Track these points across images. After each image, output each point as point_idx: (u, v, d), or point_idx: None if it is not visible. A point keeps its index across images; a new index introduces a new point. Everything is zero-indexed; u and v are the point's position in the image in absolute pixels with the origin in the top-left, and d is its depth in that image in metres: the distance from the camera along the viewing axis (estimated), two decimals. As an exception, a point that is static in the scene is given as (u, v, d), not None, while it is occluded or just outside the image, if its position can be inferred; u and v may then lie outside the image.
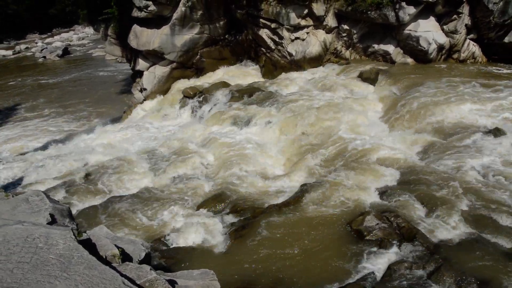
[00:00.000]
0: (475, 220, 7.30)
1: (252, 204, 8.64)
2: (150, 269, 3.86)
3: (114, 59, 33.68)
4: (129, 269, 3.76)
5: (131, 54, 19.82)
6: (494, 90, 12.21)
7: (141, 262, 4.46)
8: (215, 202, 8.99)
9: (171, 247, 7.69)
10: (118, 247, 4.37)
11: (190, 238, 7.82)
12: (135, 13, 17.31)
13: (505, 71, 15.06)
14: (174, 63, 18.48)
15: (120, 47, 21.39)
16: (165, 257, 7.22)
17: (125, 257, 4.33)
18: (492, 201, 7.78)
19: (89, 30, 55.77)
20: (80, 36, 56.68)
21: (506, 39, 15.63)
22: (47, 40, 54.46)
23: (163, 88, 18.47)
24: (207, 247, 7.56)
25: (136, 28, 17.94)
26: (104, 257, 4.04)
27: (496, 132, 10.21)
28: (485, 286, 5.76)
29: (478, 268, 6.18)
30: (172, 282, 3.94)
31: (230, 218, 8.33)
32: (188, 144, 12.43)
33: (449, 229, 7.22)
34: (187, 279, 4.41)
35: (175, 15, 17.53)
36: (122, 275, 3.42)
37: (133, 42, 18.10)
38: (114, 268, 3.53)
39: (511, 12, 15.05)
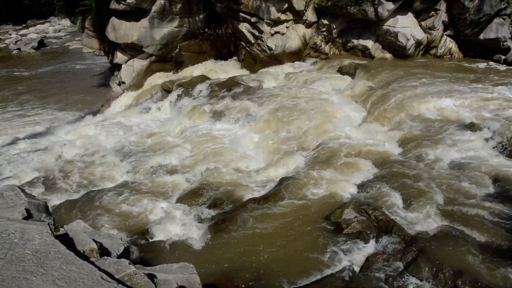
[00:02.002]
0: (450, 212, 7.45)
1: (232, 198, 8.65)
2: (129, 263, 3.84)
3: (91, 52, 33.20)
4: (107, 264, 3.73)
5: (109, 47, 19.55)
6: (470, 85, 12.46)
7: (119, 256, 4.43)
8: (194, 196, 8.96)
9: (150, 241, 7.65)
10: (96, 242, 4.33)
11: (169, 232, 7.79)
12: (113, 5, 17.05)
13: (480, 66, 15.38)
14: (153, 57, 18.30)
15: (98, 39, 21.03)
16: (144, 251, 7.18)
17: (104, 251, 4.30)
18: (466, 194, 7.96)
19: (66, 22, 54.69)
20: (56, 28, 55.58)
21: (481, 36, 15.96)
22: (22, 31, 53.25)
23: (142, 81, 18.28)
24: (186, 240, 7.53)
25: (114, 20, 17.67)
26: (81, 252, 4.00)
27: (472, 126, 10.42)
28: (460, 276, 5.88)
29: (453, 259, 6.30)
30: (151, 276, 3.93)
31: (210, 212, 8.31)
32: (167, 138, 12.35)
33: (425, 221, 7.35)
34: (167, 273, 4.40)
35: (154, 8, 17.33)
36: (100, 269, 3.39)
37: (111, 35, 17.84)
38: (92, 263, 3.50)
39: (486, 10, 15.35)
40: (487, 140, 9.92)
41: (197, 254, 7.06)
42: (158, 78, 18.01)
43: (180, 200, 8.93)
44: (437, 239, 6.76)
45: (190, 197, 8.96)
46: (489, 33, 15.80)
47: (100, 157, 11.38)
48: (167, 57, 18.55)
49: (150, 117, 15.37)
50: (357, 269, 6.39)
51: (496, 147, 9.67)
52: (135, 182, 9.94)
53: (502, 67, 15.22)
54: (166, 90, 16.35)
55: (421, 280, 6.03)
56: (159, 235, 7.74)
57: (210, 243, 7.35)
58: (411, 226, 7.23)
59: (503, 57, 15.70)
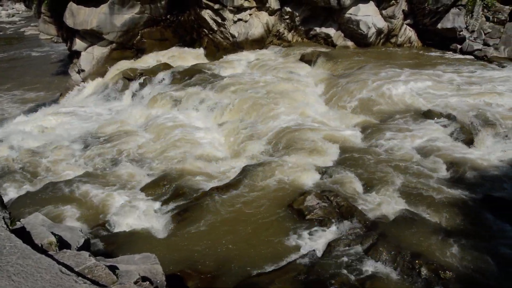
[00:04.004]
0: (409, 197, 7.70)
1: (195, 187, 8.61)
2: (89, 256, 3.78)
3: (49, 39, 31.96)
4: (66, 257, 3.66)
5: (68, 34, 18.90)
6: (428, 73, 12.81)
7: (79, 248, 4.36)
8: (156, 185, 8.87)
9: (112, 232, 7.53)
10: (55, 235, 4.24)
11: (132, 222, 7.70)
12: (70, -11, 16.49)
13: (437, 55, 15.85)
14: (114, 44, 17.85)
15: (55, 25, 20.25)
16: (106, 243, 7.08)
17: (63, 244, 4.22)
18: (424, 179, 8.24)
19: (20, 7, 52.27)
20: (9, 12, 53.14)
21: (439, 25, 16.39)
22: (-29, 16, 50.73)
23: (102, 69, 17.81)
24: (149, 231, 7.47)
25: (72, 6, 17.10)
26: (40, 245, 3.91)
27: (430, 114, 10.75)
28: (418, 258, 6.11)
29: (411, 242, 6.53)
30: (112, 268, 3.89)
31: (173, 202, 8.24)
32: (128, 127, 12.13)
33: (385, 206, 7.57)
34: (128, 264, 4.36)
35: (114, -7, 16.86)
36: (59, 263, 3.33)
37: (69, 20, 17.26)
38: (50, 256, 3.42)
39: (444, 0, 15.75)
40: (444, 126, 10.28)
41: (160, 244, 7.02)
42: (119, 66, 17.58)
43: (142, 190, 8.82)
44: (396, 223, 6.99)
45: (152, 187, 8.86)
46: (446, 22, 16.24)
47: (58, 148, 11.06)
48: (128, 45, 18.13)
49: (111, 106, 15.03)
50: (319, 254, 6.52)
51: (452, 133, 10.02)
52: (95, 172, 9.73)
53: (458, 56, 15.73)
54: (128, 78, 16.00)
55: (381, 263, 6.23)
56: (121, 226, 7.64)
57: (174, 232, 7.31)
58: (372, 211, 7.43)
59: (459, 46, 16.20)
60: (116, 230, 7.63)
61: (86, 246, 4.62)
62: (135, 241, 7.18)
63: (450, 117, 10.47)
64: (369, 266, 6.20)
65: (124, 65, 17.57)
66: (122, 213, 8.00)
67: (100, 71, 17.79)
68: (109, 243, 7.10)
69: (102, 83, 17.00)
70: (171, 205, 8.16)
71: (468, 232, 6.73)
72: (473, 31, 15.97)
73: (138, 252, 5.30)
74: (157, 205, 8.29)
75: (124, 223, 7.75)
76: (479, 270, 5.99)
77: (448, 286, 5.73)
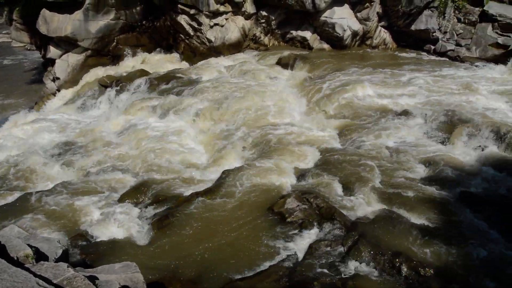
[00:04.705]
0: (387, 196, 7.80)
1: (174, 193, 8.53)
2: (68, 267, 3.72)
3: (22, 46, 31.36)
4: (44, 269, 3.59)
5: (41, 41, 18.57)
6: (402, 74, 13.04)
7: (57, 260, 4.29)
8: (136, 193, 8.76)
9: (91, 242, 7.39)
10: (31, 247, 4.17)
11: (112, 231, 7.57)
12: (43, -4, 16.22)
13: (412, 56, 16.15)
14: (89, 51, 17.63)
15: (28, 33, 19.86)
16: (86, 253, 6.94)
17: (40, 256, 4.14)
18: (401, 178, 8.37)
19: (-9, 14, 51.29)
20: (-20, 20, 52.01)
21: (413, 27, 16.71)
22: None
23: (78, 77, 17.57)
24: (129, 239, 7.36)
25: (45, 12, 16.81)
26: (15, 258, 3.83)
27: (406, 114, 10.92)
28: (398, 257, 6.18)
29: (391, 241, 6.60)
30: (92, 278, 3.84)
31: (153, 209, 8.14)
32: (105, 135, 11.95)
33: (365, 206, 7.65)
34: (109, 274, 4.31)
35: (88, 0, 16.66)
36: (36, 275, 3.27)
37: (42, 28, 16.97)
38: (27, 269, 3.36)
39: (416, 2, 16.07)
40: (419, 126, 10.46)
41: (141, 252, 6.93)
42: (95, 73, 17.38)
43: (121, 198, 8.69)
44: (375, 222, 7.05)
45: (131, 194, 8.74)
46: (419, 24, 16.57)
47: (34, 158, 10.81)
48: (104, 51, 17.94)
49: (88, 114, 14.83)
50: (300, 256, 6.53)
51: (428, 132, 10.21)
52: (73, 182, 9.55)
53: (432, 57, 16.05)
54: (104, 85, 15.82)
55: (362, 263, 6.28)
56: (101, 235, 7.50)
57: (154, 240, 7.22)
58: (351, 211, 7.49)
59: (432, 47, 16.55)
60: (95, 239, 7.49)
61: (64, 257, 4.54)
62: (115, 250, 7.07)
63: (425, 116, 10.66)
64: (351, 266, 6.24)
65: (100, 72, 17.37)
66: (101, 222, 7.86)
67: (75, 78, 17.55)
68: (88, 253, 6.96)
69: (78, 90, 16.77)
70: (151, 212, 8.07)
71: (445, 229, 6.85)
72: (445, 32, 16.33)
73: (118, 261, 5.24)
74: (137, 212, 8.17)
75: (104, 231, 7.62)
76: (458, 266, 6.10)
77: (428, 283, 5.82)
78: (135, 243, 7.26)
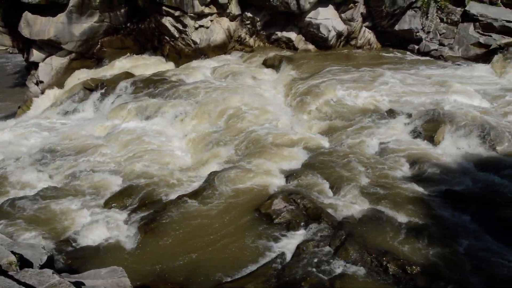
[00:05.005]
0: (374, 196, 7.85)
1: (161, 196, 8.48)
2: (53, 273, 3.67)
3: (3, 50, 30.92)
4: (28, 276, 3.54)
5: (24, 44, 18.31)
6: (386, 74, 13.14)
7: (42, 266, 4.22)
8: (122, 196, 8.68)
9: (77, 247, 7.30)
10: (15, 253, 4.09)
11: (98, 235, 7.49)
12: (25, -2, 16.01)
13: (396, 55, 16.30)
14: (73, 54, 17.44)
15: (10, 36, 19.60)
16: (72, 258, 6.86)
17: (24, 263, 4.07)
18: (388, 178, 8.44)
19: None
20: (-39, 24, 51.12)
21: (397, 27, 16.88)
22: None
23: (62, 80, 17.36)
24: (116, 244, 7.29)
25: (27, 15, 16.59)
26: (-2, 266, 3.77)
27: (390, 113, 11.02)
28: (385, 255, 6.22)
29: (378, 240, 6.66)
30: (78, 284, 3.80)
31: (139, 212, 8.06)
32: (90, 139, 11.83)
33: (352, 205, 7.67)
34: (95, 279, 4.27)
35: (71, 2, 16.47)
36: (20, 283, 3.23)
37: (24, 30, 16.75)
38: (10, 277, 3.31)
39: (400, 3, 16.24)
40: (405, 124, 10.58)
41: (128, 257, 6.88)
42: (80, 76, 17.20)
43: (107, 202, 8.61)
44: (362, 222, 7.10)
45: (118, 198, 8.66)
46: (403, 24, 16.74)
47: (18, 163, 10.68)
48: (88, 54, 17.76)
49: (72, 118, 14.67)
50: (288, 257, 6.54)
51: (413, 131, 10.32)
52: (58, 186, 9.44)
53: (416, 56, 16.24)
54: (89, 88, 15.66)
55: (349, 263, 6.30)
56: (87, 240, 7.41)
57: (141, 244, 7.17)
58: (338, 211, 7.51)
59: (416, 47, 16.75)
60: (81, 244, 7.40)
61: (49, 263, 4.47)
62: (102, 254, 7.01)
63: (410, 115, 10.77)
64: (338, 266, 6.26)
65: (85, 75, 17.21)
66: (88, 227, 7.78)
67: (59, 82, 17.34)
68: (74, 259, 6.88)
69: (62, 94, 16.57)
70: (138, 216, 8.00)
71: (431, 227, 6.92)
72: (429, 32, 16.53)
73: (105, 266, 5.18)
74: (123, 216, 8.10)
75: (90, 236, 7.53)
76: (443, 262, 6.16)
77: (415, 280, 5.86)
78: (122, 248, 7.20)
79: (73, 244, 7.38)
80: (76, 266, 6.57)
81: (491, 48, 14.82)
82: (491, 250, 6.43)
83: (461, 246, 6.49)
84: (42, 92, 17.39)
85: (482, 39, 15.32)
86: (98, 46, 17.80)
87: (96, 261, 6.71)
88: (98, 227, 7.69)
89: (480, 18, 15.50)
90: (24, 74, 21.43)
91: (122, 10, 17.56)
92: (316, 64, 14.75)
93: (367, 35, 17.83)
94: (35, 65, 17.78)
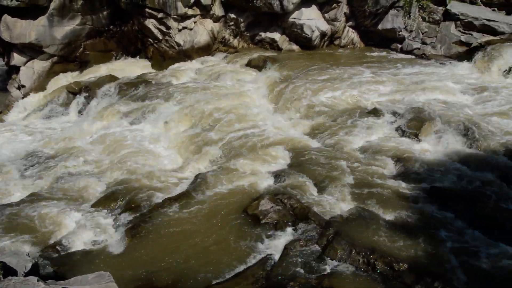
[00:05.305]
0: (360, 194, 7.91)
1: (148, 200, 8.40)
2: (38, 281, 3.64)
3: (-16, 54, 30.39)
4: (12, 284, 3.50)
5: (4, 48, 18.02)
6: (371, 73, 13.25)
7: (27, 274, 4.18)
8: (108, 200, 8.58)
9: (63, 253, 7.20)
10: (-2, 262, 4.04)
11: (85, 240, 7.42)
12: (4, 1, 15.77)
13: (379, 54, 16.43)
14: (55, 57, 17.22)
15: (-11, 39, 19.31)
16: (57, 265, 6.76)
17: (8, 271, 4.02)
18: (373, 176, 8.51)
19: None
20: None
21: (379, 27, 17.03)
22: None
23: (45, 84, 17.11)
24: (103, 248, 7.22)
25: (7, 18, 16.34)
26: (-18, 274, 3.70)
27: (375, 112, 11.11)
28: (372, 253, 6.27)
29: (365, 238, 6.70)
30: (64, 290, 3.75)
31: (126, 216, 7.98)
32: (75, 143, 11.68)
33: (339, 204, 7.73)
34: (82, 285, 4.24)
35: (52, 5, 16.27)
36: (3, 291, 3.16)
37: (4, 34, 16.50)
38: (-7, 286, 3.25)
39: (382, 2, 16.39)
40: (390, 123, 10.68)
41: (115, 261, 6.81)
42: (63, 80, 16.99)
43: (93, 206, 8.51)
44: (349, 220, 7.14)
45: (104, 202, 8.57)
46: (386, 23, 16.90)
47: (0, 168, 10.52)
48: (71, 57, 17.55)
49: (56, 122, 14.48)
50: (276, 257, 6.54)
51: (398, 129, 10.42)
52: (42, 192, 9.29)
53: (399, 55, 16.38)
54: (72, 92, 15.48)
55: (337, 261, 6.34)
56: (74, 245, 7.33)
57: (128, 248, 7.11)
58: (325, 210, 7.55)
59: (399, 45, 16.90)
60: (68, 250, 7.30)
61: (34, 270, 4.43)
62: (88, 260, 6.92)
63: (395, 113, 10.88)
64: (327, 265, 6.30)
65: (68, 78, 17.01)
66: (74, 232, 7.69)
67: (42, 86, 17.10)
68: (61, 265, 6.79)
69: (45, 98, 16.35)
70: (125, 220, 7.92)
71: (417, 224, 7.01)
72: (411, 31, 16.70)
73: (92, 271, 5.13)
74: (110, 220, 8.03)
75: (76, 242, 7.45)
76: (430, 258, 6.24)
77: (402, 277, 5.92)
78: (109, 252, 7.12)
79: (59, 250, 7.28)
80: (62, 272, 6.49)
81: (472, 46, 15.02)
82: (476, 246, 6.53)
83: (447, 243, 6.57)
84: (24, 96, 17.13)
85: (463, 38, 15.52)
86: (81, 49, 17.61)
87: (83, 267, 6.63)
88: (84, 232, 7.62)
89: (461, 17, 15.72)
90: (5, 79, 21.03)
91: (105, 13, 17.41)
92: (300, 64, 14.80)
93: (351, 34, 17.94)
94: (16, 69, 17.51)
